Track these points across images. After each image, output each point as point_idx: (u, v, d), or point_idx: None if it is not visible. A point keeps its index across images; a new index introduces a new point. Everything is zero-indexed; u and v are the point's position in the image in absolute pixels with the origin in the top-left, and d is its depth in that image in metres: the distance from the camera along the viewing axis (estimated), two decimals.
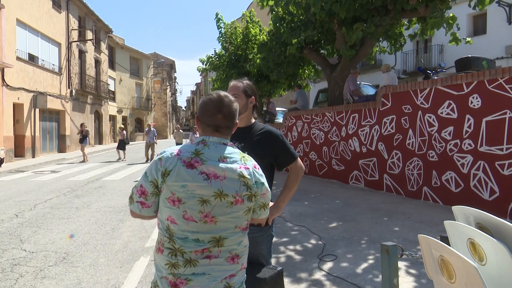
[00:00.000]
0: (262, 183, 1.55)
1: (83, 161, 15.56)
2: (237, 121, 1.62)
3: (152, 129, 16.19)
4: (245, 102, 2.21)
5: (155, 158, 1.52)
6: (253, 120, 2.30)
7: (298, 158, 2.31)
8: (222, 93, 1.60)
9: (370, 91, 11.05)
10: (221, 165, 1.46)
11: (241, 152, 1.58)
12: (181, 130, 18.37)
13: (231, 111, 1.57)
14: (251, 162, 1.56)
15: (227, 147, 1.54)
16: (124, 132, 17.27)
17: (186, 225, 1.44)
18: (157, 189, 1.47)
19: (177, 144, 16.21)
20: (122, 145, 16.75)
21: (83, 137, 15.99)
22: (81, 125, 16.78)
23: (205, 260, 1.44)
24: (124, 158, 16.71)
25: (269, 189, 1.60)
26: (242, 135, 2.21)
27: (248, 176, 1.49)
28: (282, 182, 2.38)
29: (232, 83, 2.27)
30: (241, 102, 2.18)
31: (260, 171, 1.57)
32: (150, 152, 15.82)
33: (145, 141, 16.70)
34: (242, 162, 1.52)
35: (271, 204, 2.31)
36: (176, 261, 1.44)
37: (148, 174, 1.49)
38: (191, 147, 1.50)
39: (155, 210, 1.52)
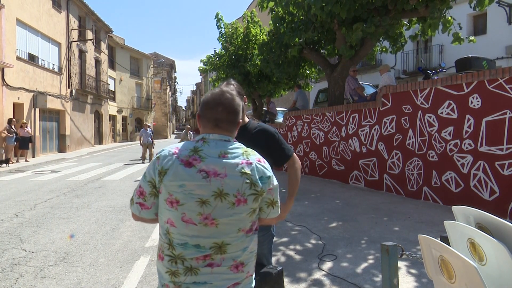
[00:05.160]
0: (268, 177, 1.42)
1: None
2: (241, 120, 1.52)
3: (148, 129, 15.76)
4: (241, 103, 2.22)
5: (154, 157, 1.45)
6: (247, 119, 2.32)
7: (294, 154, 2.33)
8: (225, 88, 1.52)
9: (370, 91, 11.05)
10: (222, 161, 1.36)
11: (244, 147, 1.46)
12: (190, 132, 16.21)
13: (232, 105, 1.46)
14: (254, 156, 1.43)
15: (230, 143, 1.43)
16: (28, 128, 14.98)
17: (185, 228, 1.34)
18: (155, 190, 1.39)
19: None
20: (25, 144, 14.58)
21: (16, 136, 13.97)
22: (10, 120, 14.36)
23: (207, 269, 1.35)
24: (26, 158, 14.82)
25: (276, 182, 1.46)
26: (238, 134, 2.22)
27: (250, 172, 1.37)
28: (282, 182, 2.39)
29: (223, 86, 2.23)
30: None
31: (266, 164, 1.45)
32: (148, 153, 15.52)
33: (140, 142, 15.91)
34: (244, 157, 1.39)
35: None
36: (176, 269, 1.36)
37: (146, 174, 1.42)
38: (190, 145, 1.41)
39: (156, 213, 1.44)
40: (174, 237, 1.36)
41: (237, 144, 1.45)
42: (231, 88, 2.21)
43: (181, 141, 15.86)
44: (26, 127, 14.98)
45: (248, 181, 1.35)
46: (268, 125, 2.32)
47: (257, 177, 1.38)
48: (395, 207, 6.12)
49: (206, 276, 1.35)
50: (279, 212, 1.52)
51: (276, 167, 2.33)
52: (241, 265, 1.40)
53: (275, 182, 1.46)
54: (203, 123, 1.46)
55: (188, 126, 18.61)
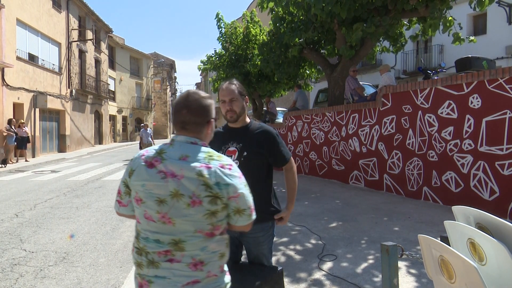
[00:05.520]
0: (227, 184, 1.40)
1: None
2: (212, 119, 1.53)
3: (148, 129, 15.62)
4: (242, 104, 2.24)
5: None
6: (248, 120, 2.32)
7: (291, 159, 2.35)
8: (192, 90, 1.56)
9: (370, 91, 11.05)
10: (180, 163, 1.40)
11: (211, 152, 1.48)
12: None
13: (198, 106, 1.49)
14: (218, 162, 1.44)
15: (196, 146, 1.47)
16: (26, 128, 14.90)
17: (147, 224, 1.44)
18: (128, 189, 1.51)
19: None
20: (22, 144, 14.49)
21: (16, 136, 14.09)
22: (10, 120, 14.40)
23: (167, 264, 1.41)
24: (26, 159, 14.86)
25: (243, 191, 1.44)
26: (240, 135, 2.24)
27: (207, 175, 1.38)
28: (282, 181, 2.39)
29: (225, 86, 2.23)
30: (240, 104, 2.21)
31: (232, 172, 1.44)
32: None
33: (139, 142, 15.67)
34: (205, 161, 1.41)
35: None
36: (141, 261, 1.45)
37: (123, 175, 1.54)
38: (159, 147, 1.49)
39: (134, 210, 1.53)
40: (140, 231, 1.47)
41: (204, 148, 1.48)
42: (232, 87, 2.22)
43: None
44: (24, 127, 14.98)
45: (203, 183, 1.37)
46: (270, 127, 2.33)
47: (214, 181, 1.38)
48: (395, 207, 6.12)
49: (166, 271, 1.41)
50: (251, 219, 1.49)
51: (274, 167, 2.35)
52: (200, 263, 1.42)
53: (241, 191, 1.44)
54: (174, 126, 1.57)
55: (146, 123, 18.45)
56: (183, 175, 1.38)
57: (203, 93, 1.54)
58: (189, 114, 1.48)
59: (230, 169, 1.44)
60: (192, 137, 1.49)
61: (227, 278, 1.53)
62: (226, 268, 1.53)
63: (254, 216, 1.50)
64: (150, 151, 1.49)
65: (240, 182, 1.45)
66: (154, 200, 1.40)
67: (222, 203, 1.40)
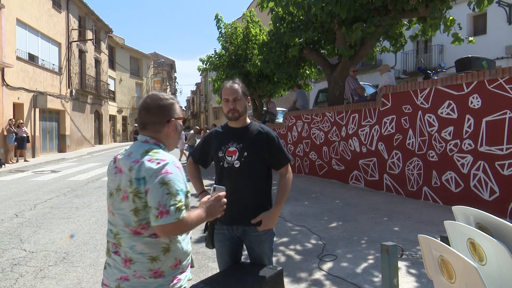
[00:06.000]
0: (144, 178, 1.39)
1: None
2: (173, 118, 1.57)
3: None
4: (245, 104, 2.24)
5: None
6: (249, 120, 2.32)
7: (289, 164, 2.32)
8: (152, 92, 1.63)
9: (370, 91, 11.05)
10: (125, 159, 1.51)
11: (152, 148, 1.49)
12: (184, 133, 14.75)
13: (156, 106, 1.56)
14: (149, 156, 1.43)
15: (144, 144, 1.53)
16: (25, 128, 14.97)
17: (108, 214, 1.60)
18: None
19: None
20: (22, 143, 14.49)
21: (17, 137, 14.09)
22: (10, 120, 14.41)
23: (113, 254, 1.53)
24: (26, 159, 14.93)
25: (154, 186, 1.37)
26: (240, 135, 2.24)
27: (134, 170, 1.42)
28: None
29: (228, 85, 2.22)
30: (243, 104, 2.22)
31: (155, 166, 1.40)
32: None
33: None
34: (138, 157, 1.46)
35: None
36: (106, 248, 1.60)
37: None
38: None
39: None
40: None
41: (149, 146, 1.52)
42: (236, 87, 2.21)
43: (187, 141, 14.91)
44: (23, 127, 15.00)
45: (129, 179, 1.44)
46: (270, 129, 2.32)
47: (135, 176, 1.42)
48: (395, 207, 6.12)
49: (112, 261, 1.53)
50: (158, 222, 1.36)
51: (275, 169, 2.34)
52: (129, 261, 1.48)
53: (152, 185, 1.37)
54: (137, 127, 1.65)
55: (197, 127, 17.92)
56: (123, 170, 1.49)
57: (163, 95, 1.61)
58: (148, 115, 1.56)
59: (158, 163, 1.41)
60: (148, 136, 1.56)
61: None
62: (167, 275, 1.48)
63: (163, 221, 1.35)
64: (125, 149, 1.61)
65: (158, 176, 1.38)
66: (109, 192, 1.55)
67: (141, 202, 1.42)
